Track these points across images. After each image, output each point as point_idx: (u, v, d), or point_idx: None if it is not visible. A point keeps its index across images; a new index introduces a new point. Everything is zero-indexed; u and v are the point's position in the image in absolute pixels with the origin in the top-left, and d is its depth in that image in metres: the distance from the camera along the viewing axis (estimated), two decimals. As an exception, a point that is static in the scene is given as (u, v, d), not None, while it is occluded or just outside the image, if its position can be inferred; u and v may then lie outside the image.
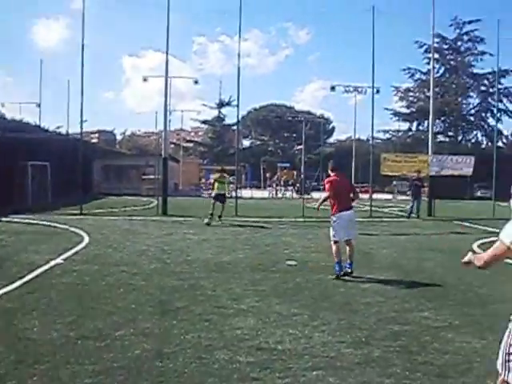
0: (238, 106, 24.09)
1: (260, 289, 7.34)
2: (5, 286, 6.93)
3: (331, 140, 73.58)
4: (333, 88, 38.64)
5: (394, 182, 43.86)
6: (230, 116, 64.26)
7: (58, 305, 6.18)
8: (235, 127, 40.28)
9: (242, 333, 5.28)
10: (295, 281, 7.94)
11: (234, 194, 22.80)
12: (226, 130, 62.86)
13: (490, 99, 53.96)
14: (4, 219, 15.61)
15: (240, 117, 28.23)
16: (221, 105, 62.90)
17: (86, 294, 6.77)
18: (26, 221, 15.58)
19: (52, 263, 8.80)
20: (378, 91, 31.75)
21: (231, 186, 23.67)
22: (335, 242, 8.40)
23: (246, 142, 73.55)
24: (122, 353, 4.60)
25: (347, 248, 8.45)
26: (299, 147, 52.20)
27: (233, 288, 7.34)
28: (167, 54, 21.18)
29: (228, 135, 62.09)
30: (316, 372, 4.28)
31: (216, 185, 16.71)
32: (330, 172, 8.96)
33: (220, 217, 16.43)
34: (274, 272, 8.66)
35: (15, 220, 15.67)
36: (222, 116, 64.04)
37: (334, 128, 75.49)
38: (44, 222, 15.21)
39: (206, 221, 15.98)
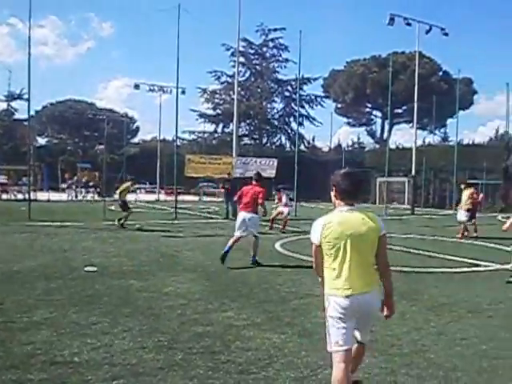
0: (28, 99, 22.57)
1: (55, 298, 6.92)
2: None
3: (136, 140, 72.25)
4: (137, 86, 38.27)
5: (200, 184, 44.87)
6: (23, 110, 60.01)
7: None
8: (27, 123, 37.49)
9: (34, 347, 4.93)
10: (94, 288, 7.66)
11: (27, 196, 21.28)
12: (17, 126, 58.28)
13: (293, 104, 57.99)
14: None
15: (34, 112, 26.44)
16: (11, 97, 58.23)
17: None
18: None
19: None
20: (183, 92, 32.23)
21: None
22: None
23: (42, 140, 68.71)
24: None
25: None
26: (101, 147, 50.68)
27: (23, 299, 6.82)
28: None
29: (20, 131, 57.65)
30: (116, 381, 4.19)
31: None
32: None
33: None
34: (72, 279, 8.24)
35: None
36: (11, 110, 59.32)
37: (138, 128, 74.60)
38: None
39: None
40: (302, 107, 58.83)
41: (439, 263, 11.00)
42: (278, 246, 12.89)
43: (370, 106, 63.25)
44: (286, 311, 6.52)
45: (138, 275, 8.71)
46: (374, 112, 64.48)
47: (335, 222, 3.58)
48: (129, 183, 18.05)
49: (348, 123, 66.71)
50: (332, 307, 3.62)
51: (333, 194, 3.80)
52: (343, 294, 3.54)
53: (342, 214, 3.65)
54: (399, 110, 59.09)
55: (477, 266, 10.69)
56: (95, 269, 9.14)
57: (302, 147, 58.34)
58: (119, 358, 4.72)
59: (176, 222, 19.44)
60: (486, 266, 10.63)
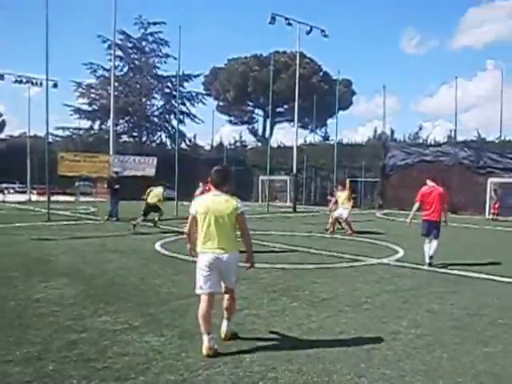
0: None
1: None
2: None
3: (2, 136, 68.15)
4: (1, 76, 35.82)
5: (77, 183, 43.22)
6: None
7: None
8: None
9: None
10: None
11: None
12: None
13: (173, 101, 57.38)
14: None
15: None
16: None
17: None
18: None
19: None
20: (55, 85, 30.82)
21: None
22: None
23: None
24: None
25: None
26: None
27: None
28: None
29: None
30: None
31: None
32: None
33: None
34: None
35: None
36: None
37: (4, 122, 71.13)
38: None
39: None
40: (183, 104, 58.60)
41: (319, 259, 11.38)
42: (157, 246, 12.75)
43: (251, 104, 64.19)
44: (165, 313, 6.46)
45: (5, 282, 8.22)
46: (256, 110, 65.50)
47: (206, 201, 5.29)
48: (161, 189, 17.73)
49: (230, 121, 67.28)
50: (201, 261, 5.20)
51: (210, 183, 5.48)
52: (208, 251, 5.16)
53: (212, 196, 5.32)
54: (281, 109, 60.64)
55: (355, 261, 11.19)
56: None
57: (184, 145, 58.04)
58: (-20, 374, 4.43)
59: (48, 223, 18.57)
60: (363, 261, 11.17)
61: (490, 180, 29.50)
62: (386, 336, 5.73)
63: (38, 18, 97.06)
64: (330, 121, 60.50)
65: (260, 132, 65.61)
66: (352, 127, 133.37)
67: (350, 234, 16.94)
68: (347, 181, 30.84)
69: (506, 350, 5.39)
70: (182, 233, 15.95)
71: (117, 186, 21.15)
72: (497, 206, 27.46)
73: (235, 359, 4.87)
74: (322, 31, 32.12)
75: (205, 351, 4.93)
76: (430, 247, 10.62)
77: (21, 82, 28.43)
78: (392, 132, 43.02)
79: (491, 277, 9.54)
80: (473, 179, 31.02)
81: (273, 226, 20.00)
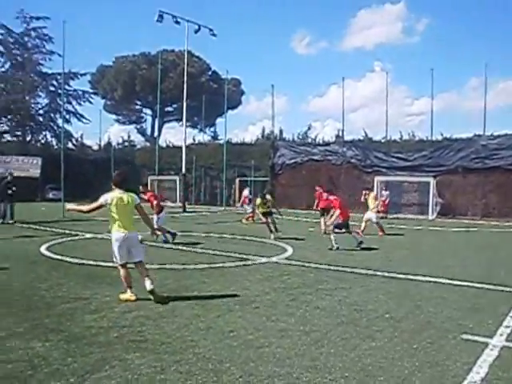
0: None
1: None
2: None
3: None
4: None
5: None
6: None
7: None
8: None
9: None
10: None
11: None
12: None
13: (58, 100, 55.04)
14: None
15: None
16: None
17: None
18: None
19: None
20: None
21: None
22: None
23: None
24: None
25: None
26: None
27: None
28: None
29: None
30: None
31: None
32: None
33: None
34: None
35: None
36: None
37: None
38: None
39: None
40: (69, 103, 56.49)
41: (209, 259, 11.42)
42: (43, 249, 12.34)
43: (139, 103, 63.10)
44: (51, 317, 6.30)
45: None
46: (145, 110, 64.53)
47: (115, 197, 7.14)
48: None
49: (117, 121, 65.64)
50: (115, 239, 7.17)
51: (113, 184, 7.32)
52: (120, 231, 7.15)
53: (118, 193, 7.20)
54: (170, 108, 60.14)
55: (245, 260, 11.32)
56: None
57: (70, 145, 55.97)
58: None
59: None
60: (253, 260, 11.32)
61: (377, 178, 30.56)
62: (276, 334, 5.80)
63: None
64: (219, 120, 60.36)
65: (149, 132, 64.72)
66: (242, 126, 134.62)
67: (380, 235, 17.23)
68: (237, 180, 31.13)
69: (391, 343, 5.56)
70: (72, 234, 15.66)
71: (14, 188, 20.25)
72: (386, 202, 28.46)
73: (123, 362, 4.83)
74: (210, 30, 32.31)
75: (133, 297, 7.18)
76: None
77: None
78: (281, 131, 43.84)
79: (379, 273, 9.87)
80: (361, 178, 31.94)
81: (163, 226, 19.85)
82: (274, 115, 40.74)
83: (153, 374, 4.56)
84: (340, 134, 38.33)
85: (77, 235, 15.81)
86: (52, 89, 56.75)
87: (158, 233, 12.50)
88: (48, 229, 17.28)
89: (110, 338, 5.55)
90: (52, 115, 57.62)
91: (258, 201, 16.94)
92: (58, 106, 55.31)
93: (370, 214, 17.64)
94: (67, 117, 55.71)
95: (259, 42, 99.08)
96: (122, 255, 7.23)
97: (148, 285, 7.18)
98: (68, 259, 10.86)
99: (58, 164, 24.89)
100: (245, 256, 11.82)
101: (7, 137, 54.66)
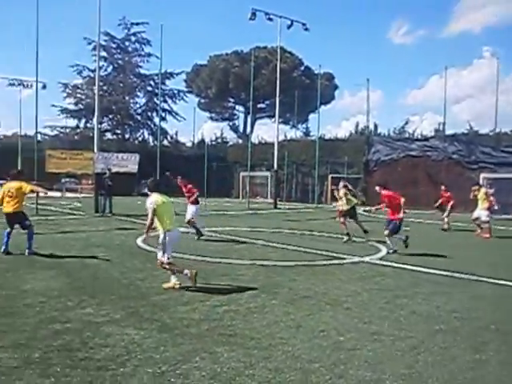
0: None
1: None
2: None
3: (-4, 135, 68.32)
4: (-4, 81, 35.80)
5: (63, 180, 43.14)
6: None
7: None
8: None
9: None
10: None
11: None
12: None
13: (155, 99, 57.21)
14: None
15: None
16: None
17: None
18: None
19: None
20: (44, 86, 30.97)
21: None
22: None
23: None
24: None
25: None
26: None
27: None
28: None
29: None
30: (-30, 381, 4.11)
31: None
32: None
33: None
34: None
35: None
36: None
37: None
38: None
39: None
40: (165, 102, 58.33)
41: (300, 256, 11.31)
42: (139, 241, 12.84)
43: (232, 100, 64.09)
44: (145, 307, 6.59)
45: (-5, 274, 8.42)
46: (237, 107, 65.44)
47: (158, 200, 7.72)
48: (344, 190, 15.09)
49: (211, 118, 67.09)
50: (170, 237, 7.64)
51: (149, 190, 8.04)
52: (172, 228, 7.74)
53: (159, 196, 7.81)
54: (262, 105, 60.56)
55: (336, 258, 11.04)
56: None
57: (166, 142, 57.95)
58: (-27, 359, 4.62)
59: (36, 218, 18.58)
60: (345, 259, 10.99)
61: (483, 175, 28.07)
62: (368, 337, 5.59)
63: (26, 23, 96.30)
64: (311, 116, 59.53)
65: (241, 128, 65.55)
66: (335, 122, 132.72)
67: (487, 237, 15.89)
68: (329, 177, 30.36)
69: (498, 357, 5.09)
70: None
71: (110, 183, 21.46)
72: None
73: (213, 354, 4.92)
74: (303, 25, 31.94)
75: (177, 286, 7.64)
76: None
77: (13, 84, 28.55)
78: (376, 126, 42.74)
79: (484, 279, 9.08)
80: (463, 174, 29.12)
81: (254, 222, 20.13)
82: (368, 110, 40.15)
83: (241, 369, 4.58)
84: (440, 127, 36.64)
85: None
86: (149, 89, 59.11)
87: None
88: (144, 222, 17.92)
89: (201, 330, 5.70)
90: (149, 114, 60.02)
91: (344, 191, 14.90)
92: (154, 105, 57.44)
93: (480, 212, 16.32)
94: (163, 115, 57.63)
95: (353, 34, 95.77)
96: (171, 250, 7.81)
97: (189, 273, 7.77)
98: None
99: (154, 160, 25.84)
100: (336, 254, 11.56)
101: (108, 135, 57.68)
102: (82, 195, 37.78)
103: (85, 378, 4.27)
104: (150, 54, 57.92)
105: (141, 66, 58.79)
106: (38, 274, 8.43)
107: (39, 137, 41.63)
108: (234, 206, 30.38)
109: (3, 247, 10.32)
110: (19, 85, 28.37)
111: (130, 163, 24.05)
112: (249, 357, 4.89)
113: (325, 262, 10.61)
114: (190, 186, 14.26)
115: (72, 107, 57.87)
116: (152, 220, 7.67)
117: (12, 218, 10.39)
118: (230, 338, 5.46)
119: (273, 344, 5.29)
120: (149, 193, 7.98)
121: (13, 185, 10.40)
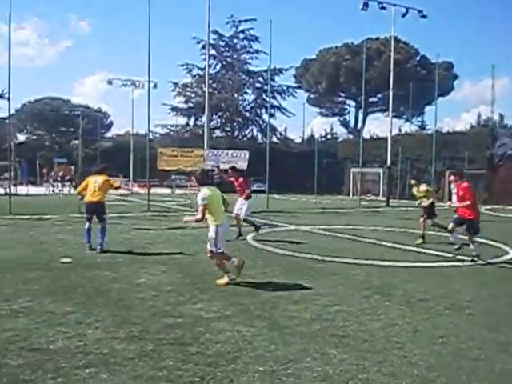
0: (9, 98, 22.09)
1: (33, 288, 7.14)
2: None
3: (109, 134, 73.28)
4: (110, 82, 38.26)
5: (173, 177, 44.85)
6: (5, 109, 59.70)
7: None
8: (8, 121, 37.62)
9: (13, 334, 5.13)
10: (69, 278, 7.85)
11: (8, 190, 21.43)
12: (-1, 124, 57.94)
13: (264, 96, 57.96)
14: None
15: (14, 110, 26.01)
16: (-8, 97, 57.58)
17: None
18: None
19: None
20: (155, 86, 32.35)
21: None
22: None
23: (22, 137, 69.71)
24: None
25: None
26: (77, 141, 50.96)
27: (3, 288, 7.06)
28: None
29: (1, 129, 57.42)
30: (88, 369, 4.30)
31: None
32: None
33: None
34: (48, 270, 8.44)
35: None
36: (-6, 109, 59.09)
37: (112, 122, 77.04)
38: None
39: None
40: (274, 98, 58.92)
41: (415, 257, 10.87)
42: (249, 238, 12.96)
43: (343, 95, 63.44)
44: (256, 304, 6.59)
45: (111, 267, 8.85)
46: (348, 101, 64.72)
47: (209, 193, 7.55)
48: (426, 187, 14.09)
49: (321, 113, 66.93)
50: (222, 230, 7.66)
51: (199, 184, 7.91)
52: (221, 223, 7.62)
53: (209, 190, 7.61)
54: (374, 99, 59.34)
55: (455, 260, 10.41)
56: (70, 260, 9.29)
57: (274, 139, 58.46)
58: (92, 347, 4.85)
59: (149, 214, 19.44)
60: (464, 261, 10.27)
61: None
62: (494, 346, 5.19)
63: (140, 24, 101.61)
64: (427, 108, 57.34)
65: (352, 123, 64.77)
66: (454, 114, 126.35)
67: None
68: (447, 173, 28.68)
69: None
70: (274, 225, 16.28)
71: (219, 180, 21.94)
72: None
73: (325, 355, 4.80)
74: (420, 12, 30.74)
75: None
76: None
77: (126, 85, 30.14)
78: (501, 117, 39.81)
79: None
80: None
81: (365, 220, 19.77)
82: (493, 99, 37.63)
83: (354, 372, 4.43)
84: None
85: (279, 226, 16.45)
86: (258, 85, 60.06)
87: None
88: (256, 219, 18.11)
89: (312, 329, 5.60)
90: (258, 111, 60.95)
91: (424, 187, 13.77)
92: (263, 102, 58.25)
93: None
94: (272, 111, 58.18)
95: (474, 18, 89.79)
96: (223, 243, 7.76)
97: (236, 261, 7.94)
98: (270, 249, 11.31)
99: (263, 157, 26.03)
100: (452, 256, 10.81)
101: (217, 132, 59.23)
102: (192, 192, 39.02)
103: (196, 373, 4.31)
104: (258, 51, 58.85)
105: (249, 63, 59.98)
106: (151, 269, 8.71)
107: (150, 135, 43.56)
108: (344, 203, 30.03)
109: (87, 245, 10.68)
110: (131, 85, 29.82)
111: (240, 160, 24.40)
112: (362, 360, 4.71)
113: (442, 264, 10.10)
114: (241, 179, 13.55)
115: (182, 105, 60.25)
116: (203, 218, 7.51)
117: (94, 208, 10.76)
118: (342, 339, 5.31)
119: (387, 348, 5.08)
120: (199, 187, 7.84)
121: (99, 177, 10.90)
